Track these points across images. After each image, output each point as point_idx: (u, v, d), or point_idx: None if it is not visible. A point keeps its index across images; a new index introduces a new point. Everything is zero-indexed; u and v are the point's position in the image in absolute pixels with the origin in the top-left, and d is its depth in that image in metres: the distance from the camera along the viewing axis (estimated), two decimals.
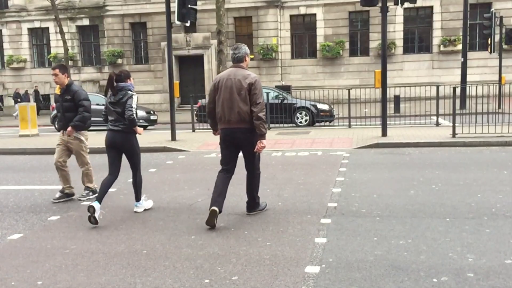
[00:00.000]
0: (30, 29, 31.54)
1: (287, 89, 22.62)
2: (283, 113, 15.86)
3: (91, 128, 22.19)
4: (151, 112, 19.72)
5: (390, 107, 16.51)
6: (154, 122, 19.55)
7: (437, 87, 14.28)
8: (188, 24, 13.74)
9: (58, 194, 6.90)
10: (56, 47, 30.81)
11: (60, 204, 6.76)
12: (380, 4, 11.73)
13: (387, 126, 12.20)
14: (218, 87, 5.52)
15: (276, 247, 4.63)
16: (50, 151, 9.23)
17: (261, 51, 27.29)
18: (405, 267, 4.02)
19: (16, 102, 26.81)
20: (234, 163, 5.67)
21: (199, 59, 28.66)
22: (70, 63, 29.08)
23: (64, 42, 27.31)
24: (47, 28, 31.28)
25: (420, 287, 3.65)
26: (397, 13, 25.39)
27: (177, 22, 12.94)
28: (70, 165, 7.15)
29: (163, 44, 26.84)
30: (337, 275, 3.91)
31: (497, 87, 16.98)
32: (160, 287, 3.86)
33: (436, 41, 26.97)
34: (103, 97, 19.98)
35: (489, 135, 10.93)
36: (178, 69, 28.77)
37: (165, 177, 8.44)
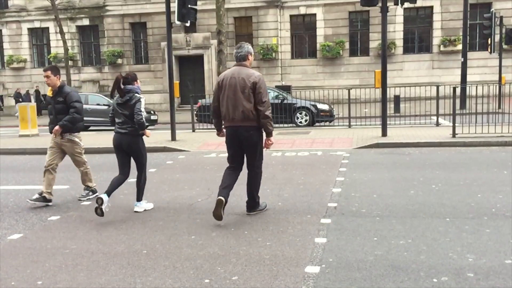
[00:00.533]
0: (30, 29, 31.54)
1: (287, 89, 22.62)
2: (283, 113, 15.86)
3: (91, 128, 22.05)
4: (152, 112, 19.74)
5: (390, 107, 16.51)
6: (154, 122, 19.57)
7: (437, 87, 14.28)
8: (188, 24, 13.75)
9: (35, 196, 6.63)
10: (56, 47, 30.81)
11: (60, 204, 6.76)
12: (380, 4, 11.73)
13: (387, 126, 12.20)
14: (222, 86, 5.58)
15: (276, 247, 4.63)
16: None
17: (261, 51, 27.29)
18: (405, 267, 4.02)
19: (17, 102, 26.82)
20: (240, 160, 5.76)
21: (199, 59, 28.66)
22: (70, 63, 29.09)
23: (64, 42, 27.31)
24: (47, 28, 31.28)
25: (420, 287, 3.65)
26: (397, 13, 25.39)
27: (177, 22, 12.94)
28: (69, 166, 7.15)
29: (163, 44, 26.84)
30: (337, 275, 3.91)
31: (497, 87, 16.96)
32: (160, 287, 3.86)
33: (436, 41, 26.97)
34: (103, 97, 20.08)
35: (489, 135, 10.93)
36: (178, 69, 28.77)
37: (165, 177, 8.44)
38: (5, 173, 9.41)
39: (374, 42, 26.86)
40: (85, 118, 22.47)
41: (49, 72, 6.62)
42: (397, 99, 18.92)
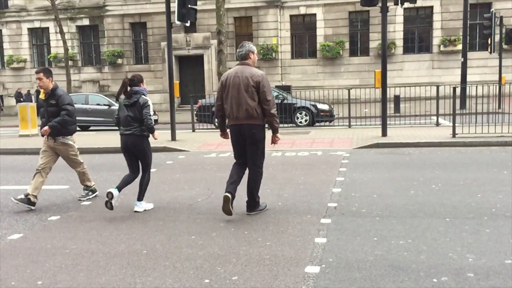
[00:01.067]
0: (30, 29, 31.55)
1: (287, 89, 22.62)
2: (283, 113, 15.85)
3: (91, 128, 22.02)
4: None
5: (390, 107, 16.51)
6: (154, 122, 19.54)
7: (437, 87, 14.29)
8: (188, 24, 13.75)
9: (21, 196, 6.48)
10: (56, 47, 30.82)
11: (60, 204, 6.77)
12: (380, 4, 11.73)
13: (387, 126, 12.20)
14: (225, 85, 5.66)
15: (276, 247, 4.63)
16: None
17: (261, 51, 27.29)
18: (405, 267, 4.02)
19: (18, 101, 26.82)
20: (246, 157, 5.81)
21: (199, 59, 28.67)
22: (70, 63, 29.10)
23: (64, 42, 27.32)
24: (47, 28, 31.28)
25: (420, 287, 3.65)
26: (397, 13, 25.39)
27: (177, 22, 12.94)
28: (67, 166, 7.13)
29: (163, 44, 26.84)
30: (337, 275, 3.91)
31: (497, 87, 16.97)
32: (160, 287, 3.86)
33: (436, 41, 26.97)
34: (104, 97, 20.08)
35: (489, 135, 10.93)
36: (178, 69, 28.77)
37: (165, 177, 8.44)
38: (5, 173, 9.41)
39: (374, 42, 26.86)
40: (85, 118, 22.42)
41: (41, 74, 6.52)
42: (397, 99, 18.92)
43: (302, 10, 28.12)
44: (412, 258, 4.21)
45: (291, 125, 16.19)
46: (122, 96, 6.14)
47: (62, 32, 27.09)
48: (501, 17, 22.58)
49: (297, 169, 8.62)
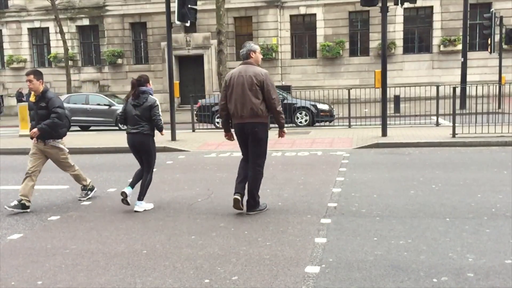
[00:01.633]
0: (30, 29, 31.53)
1: (287, 89, 22.57)
2: (283, 113, 15.83)
3: (92, 128, 22.01)
4: None
5: (390, 107, 16.51)
6: None
7: (437, 87, 14.28)
8: (188, 24, 13.74)
9: (14, 202, 6.39)
10: (56, 47, 30.80)
11: (60, 204, 6.77)
12: (380, 4, 11.73)
13: (387, 126, 12.20)
14: (229, 84, 5.76)
15: (276, 247, 4.63)
16: None
17: (261, 51, 27.19)
18: (405, 267, 4.02)
19: (19, 101, 26.81)
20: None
21: (199, 59, 28.66)
22: (70, 63, 29.08)
23: (64, 42, 27.30)
24: (47, 28, 31.26)
25: (420, 287, 3.65)
26: (397, 13, 25.37)
27: (177, 22, 12.94)
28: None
29: (163, 44, 26.82)
30: (337, 275, 3.91)
31: (497, 87, 16.97)
32: (160, 287, 3.86)
33: (436, 41, 26.96)
34: (104, 97, 20.08)
35: (489, 135, 10.93)
36: (178, 69, 28.76)
37: (165, 177, 8.44)
38: (5, 173, 9.41)
39: (374, 42, 26.85)
40: (85, 118, 22.39)
41: (31, 76, 6.42)
42: (397, 99, 18.91)
43: (302, 10, 28.11)
44: (412, 258, 4.21)
45: (291, 125, 16.17)
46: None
47: (62, 32, 27.08)
48: (501, 17, 22.56)
49: (297, 169, 8.62)
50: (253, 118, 5.66)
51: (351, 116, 15.08)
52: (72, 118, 19.23)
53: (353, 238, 4.80)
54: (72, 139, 14.34)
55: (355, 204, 6.09)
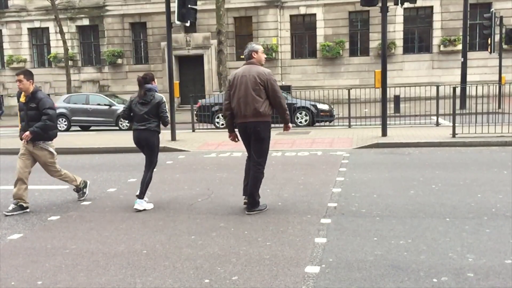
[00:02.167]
0: (30, 29, 31.53)
1: (287, 89, 22.58)
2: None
3: (92, 128, 22.00)
4: None
5: (390, 107, 16.52)
6: None
7: (437, 87, 14.28)
8: (188, 24, 13.74)
9: (11, 206, 6.38)
10: (56, 47, 30.80)
11: (60, 204, 6.77)
12: (380, 4, 11.72)
13: (387, 126, 12.20)
14: (233, 84, 5.84)
15: (276, 247, 4.63)
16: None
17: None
18: (405, 267, 4.02)
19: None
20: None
21: (199, 59, 28.66)
22: (70, 63, 29.09)
23: (64, 42, 27.30)
24: (47, 28, 31.27)
25: (420, 287, 3.65)
26: (397, 13, 25.38)
27: (177, 22, 12.94)
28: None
29: (163, 44, 26.83)
30: (337, 275, 3.91)
31: (497, 87, 16.97)
32: (160, 287, 3.86)
33: (436, 41, 26.96)
34: (104, 97, 20.07)
35: (489, 135, 10.93)
36: (178, 69, 28.77)
37: (165, 177, 8.44)
38: (5, 173, 9.42)
39: (374, 42, 26.85)
40: (85, 118, 22.42)
41: (21, 76, 6.33)
42: (397, 99, 18.92)
43: (302, 10, 28.11)
44: (412, 258, 4.21)
45: (291, 125, 16.16)
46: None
47: (62, 32, 27.08)
48: (501, 17, 22.56)
49: (297, 169, 8.62)
50: (256, 117, 5.72)
51: (351, 116, 15.08)
52: (73, 118, 19.26)
53: (353, 238, 4.80)
54: (72, 139, 14.35)
55: (355, 204, 6.09)
